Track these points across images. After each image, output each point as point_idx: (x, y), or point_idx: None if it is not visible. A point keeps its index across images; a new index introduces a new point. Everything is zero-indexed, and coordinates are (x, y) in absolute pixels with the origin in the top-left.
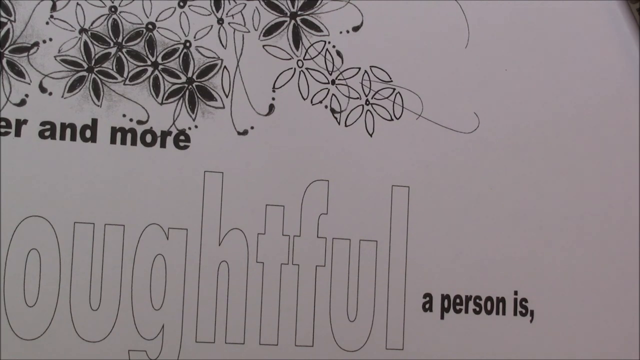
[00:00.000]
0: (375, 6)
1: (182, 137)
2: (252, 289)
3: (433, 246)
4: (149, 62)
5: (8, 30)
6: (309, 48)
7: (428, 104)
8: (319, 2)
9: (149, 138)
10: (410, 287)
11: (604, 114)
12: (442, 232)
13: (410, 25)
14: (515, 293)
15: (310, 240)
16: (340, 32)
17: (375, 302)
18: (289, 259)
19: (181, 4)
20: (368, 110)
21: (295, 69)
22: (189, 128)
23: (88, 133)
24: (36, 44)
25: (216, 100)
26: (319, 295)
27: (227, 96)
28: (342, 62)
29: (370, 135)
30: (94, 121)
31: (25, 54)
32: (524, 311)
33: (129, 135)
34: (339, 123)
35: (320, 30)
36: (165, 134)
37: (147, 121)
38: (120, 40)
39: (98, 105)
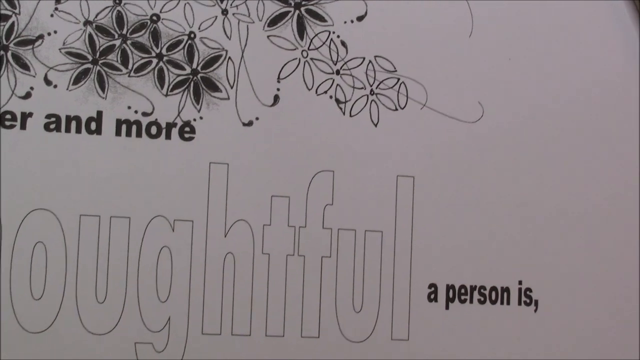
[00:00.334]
0: None
1: (187, 129)
2: (258, 280)
3: (438, 236)
4: (153, 54)
5: (13, 23)
6: (313, 38)
7: (432, 93)
8: None
9: (154, 130)
10: (415, 278)
11: (609, 101)
12: (447, 222)
13: (414, 15)
14: (520, 283)
15: (316, 231)
16: (345, 22)
17: (380, 293)
18: (294, 250)
19: None
20: (373, 100)
21: (299, 59)
22: (194, 119)
23: (93, 125)
24: (41, 36)
25: (221, 91)
26: (324, 287)
27: (231, 87)
28: (347, 52)
29: (375, 126)
30: (99, 113)
31: (30, 46)
32: (528, 301)
33: (134, 127)
34: (343, 113)
35: (325, 21)
36: (170, 126)
37: (152, 113)
38: (124, 32)
39: (103, 98)
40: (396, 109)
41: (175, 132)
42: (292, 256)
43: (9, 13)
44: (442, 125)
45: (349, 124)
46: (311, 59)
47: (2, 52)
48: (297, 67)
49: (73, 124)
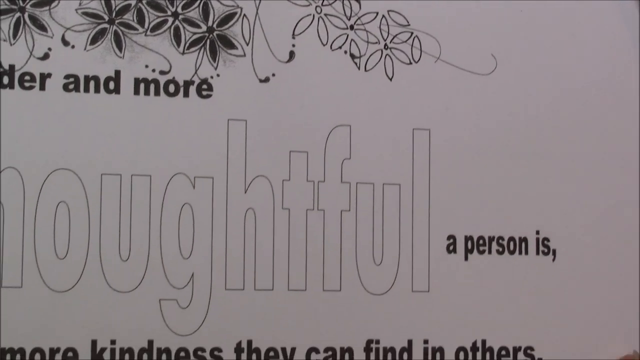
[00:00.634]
0: None
1: (204, 86)
2: (279, 235)
3: (455, 188)
4: (169, 13)
5: None
6: None
7: (446, 47)
8: None
9: (172, 88)
10: (434, 230)
11: (623, 45)
12: (463, 174)
13: None
14: (537, 233)
15: (335, 186)
16: None
17: (400, 246)
18: (314, 205)
19: None
20: (387, 54)
21: (313, 15)
22: (211, 77)
23: (112, 85)
24: None
25: (237, 48)
26: (344, 240)
27: (247, 44)
28: (360, 7)
29: (390, 80)
30: (117, 73)
31: (47, 7)
32: (546, 250)
33: (152, 86)
34: (358, 68)
35: None
36: (187, 84)
37: (169, 71)
38: None
39: (120, 57)
40: (410, 63)
41: (192, 89)
42: (312, 211)
43: None
44: (456, 78)
45: (364, 79)
46: (325, 14)
47: (19, 14)
48: (311, 23)
49: (92, 84)
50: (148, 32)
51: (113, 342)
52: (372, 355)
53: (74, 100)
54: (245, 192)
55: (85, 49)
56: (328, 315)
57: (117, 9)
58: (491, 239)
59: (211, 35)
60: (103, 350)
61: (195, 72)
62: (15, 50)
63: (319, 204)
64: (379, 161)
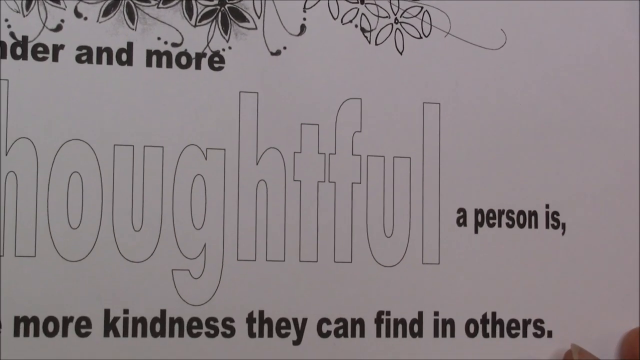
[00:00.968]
0: None
1: (216, 59)
2: (291, 207)
3: (465, 161)
4: None
5: None
6: None
7: (455, 21)
8: None
9: (184, 60)
10: (444, 203)
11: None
12: (473, 148)
13: None
14: (547, 206)
15: (346, 158)
16: None
17: (410, 218)
18: (325, 177)
19: None
20: (397, 28)
21: None
22: (223, 49)
23: (124, 57)
24: None
25: (248, 21)
26: (355, 212)
27: (259, 17)
28: None
29: (400, 54)
30: (130, 45)
31: None
32: (555, 224)
33: (164, 58)
34: (369, 42)
35: None
36: (199, 56)
37: (181, 43)
38: None
39: (133, 29)
40: (420, 37)
41: (205, 62)
42: (323, 183)
43: None
44: (466, 53)
45: (375, 53)
46: None
47: None
48: None
49: (104, 56)
50: (160, 5)
51: (126, 311)
52: (383, 327)
53: (87, 71)
54: (257, 164)
55: (97, 20)
56: (339, 286)
57: None
58: (501, 212)
59: (223, 8)
60: (116, 319)
61: (207, 45)
62: (28, 22)
63: (330, 176)
64: (389, 134)
